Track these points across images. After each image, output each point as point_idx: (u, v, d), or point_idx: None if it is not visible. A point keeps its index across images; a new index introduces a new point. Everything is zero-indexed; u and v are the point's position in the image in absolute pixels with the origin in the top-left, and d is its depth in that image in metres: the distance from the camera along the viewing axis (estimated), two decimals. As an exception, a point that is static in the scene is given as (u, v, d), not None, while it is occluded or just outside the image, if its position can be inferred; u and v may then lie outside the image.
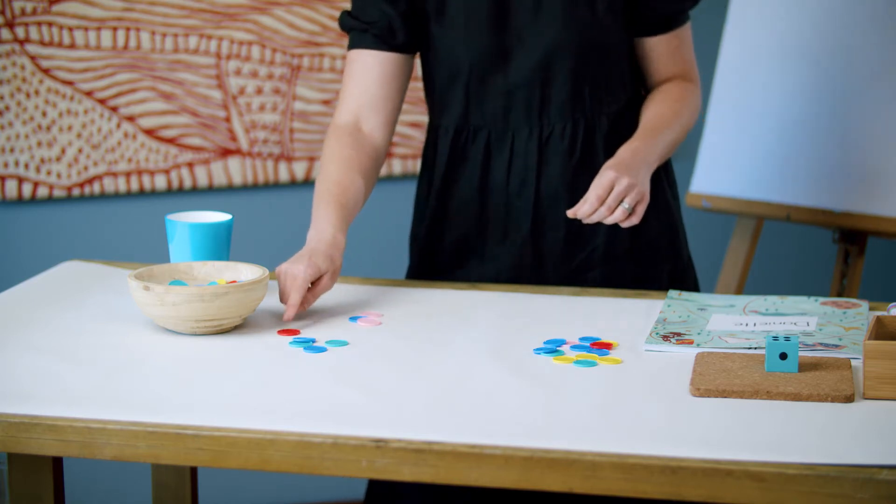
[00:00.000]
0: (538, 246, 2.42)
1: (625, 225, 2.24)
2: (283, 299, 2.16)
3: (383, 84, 2.39)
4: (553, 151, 2.40)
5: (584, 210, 2.23)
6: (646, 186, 2.27)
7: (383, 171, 3.53)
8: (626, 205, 2.23)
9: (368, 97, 2.39)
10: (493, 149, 2.41)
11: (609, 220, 2.23)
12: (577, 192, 2.39)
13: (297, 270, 2.15)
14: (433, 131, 2.47)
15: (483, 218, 2.44)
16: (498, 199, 2.42)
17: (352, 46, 2.41)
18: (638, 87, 2.49)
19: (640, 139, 2.35)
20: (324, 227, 2.24)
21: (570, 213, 2.23)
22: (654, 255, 2.46)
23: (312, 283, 2.17)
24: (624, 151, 2.31)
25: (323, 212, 2.27)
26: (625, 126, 2.41)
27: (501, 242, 2.43)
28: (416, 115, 3.57)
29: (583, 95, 2.38)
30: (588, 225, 2.39)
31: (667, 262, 2.47)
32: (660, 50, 2.44)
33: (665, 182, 2.48)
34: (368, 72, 2.39)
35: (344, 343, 2.05)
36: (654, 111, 2.42)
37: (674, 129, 2.39)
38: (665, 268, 2.47)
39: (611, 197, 2.22)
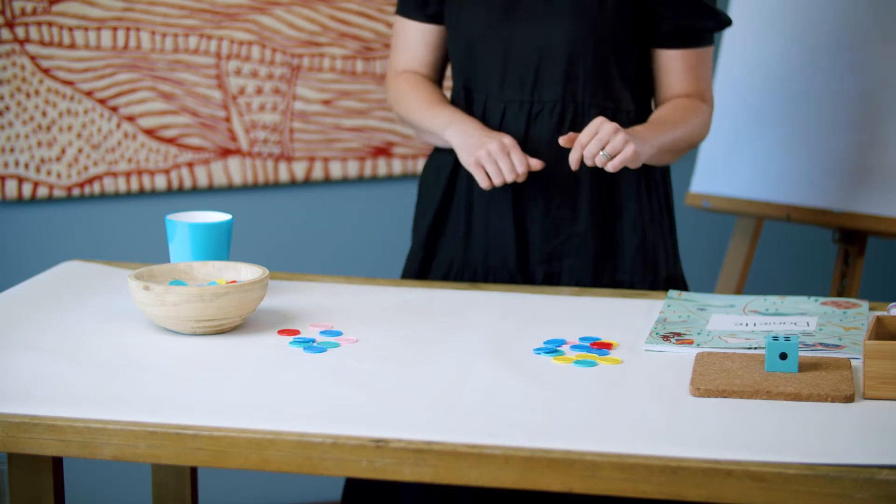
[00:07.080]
0: (521, 224, 2.44)
1: (607, 168, 2.27)
2: (502, 170, 2.28)
3: (428, 51, 2.54)
4: (540, 129, 2.42)
5: (573, 157, 2.28)
6: (635, 145, 2.27)
7: (383, 171, 3.53)
8: (604, 152, 2.25)
9: (418, 62, 2.55)
10: (488, 118, 2.45)
11: (589, 162, 2.28)
12: (558, 175, 2.41)
13: (501, 140, 2.30)
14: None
15: (471, 187, 2.47)
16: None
17: (397, 11, 2.55)
18: (647, 98, 2.50)
19: (641, 126, 2.37)
20: (459, 116, 2.41)
21: (570, 153, 2.29)
22: (634, 262, 2.46)
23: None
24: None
25: (440, 109, 2.43)
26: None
27: (485, 215, 2.45)
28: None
29: (575, 79, 2.41)
30: (566, 210, 2.42)
31: (649, 272, 2.47)
32: (675, 65, 2.46)
33: (654, 194, 2.48)
34: (413, 38, 2.54)
35: (336, 345, 2.05)
36: (661, 113, 2.43)
37: (677, 133, 2.40)
38: (647, 278, 2.47)
39: (593, 142, 2.26)
